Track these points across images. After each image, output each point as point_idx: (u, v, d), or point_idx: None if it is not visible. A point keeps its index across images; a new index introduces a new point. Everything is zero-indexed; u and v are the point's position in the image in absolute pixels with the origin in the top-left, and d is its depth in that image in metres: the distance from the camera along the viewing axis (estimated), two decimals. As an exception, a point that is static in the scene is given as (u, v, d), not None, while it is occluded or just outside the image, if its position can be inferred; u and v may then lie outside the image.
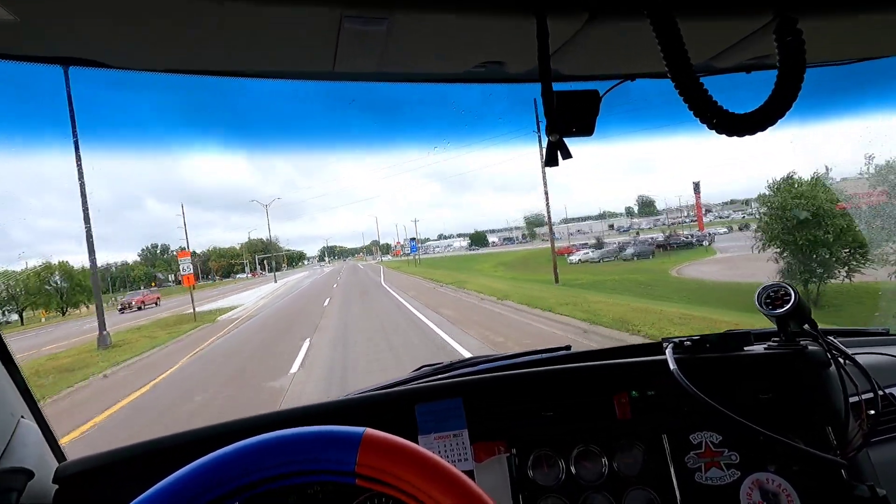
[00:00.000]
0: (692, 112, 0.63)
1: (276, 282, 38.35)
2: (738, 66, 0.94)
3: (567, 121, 0.85)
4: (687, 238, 33.47)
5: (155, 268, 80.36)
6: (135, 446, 0.96)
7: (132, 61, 0.72)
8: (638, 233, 44.06)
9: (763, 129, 0.64)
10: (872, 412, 0.95)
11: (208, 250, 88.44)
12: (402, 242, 35.79)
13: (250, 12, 0.59)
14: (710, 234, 35.50)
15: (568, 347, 1.32)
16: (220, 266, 77.89)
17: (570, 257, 32.11)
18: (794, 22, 0.62)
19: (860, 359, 1.00)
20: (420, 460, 0.46)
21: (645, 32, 0.62)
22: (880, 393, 0.96)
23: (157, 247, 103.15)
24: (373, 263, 71.60)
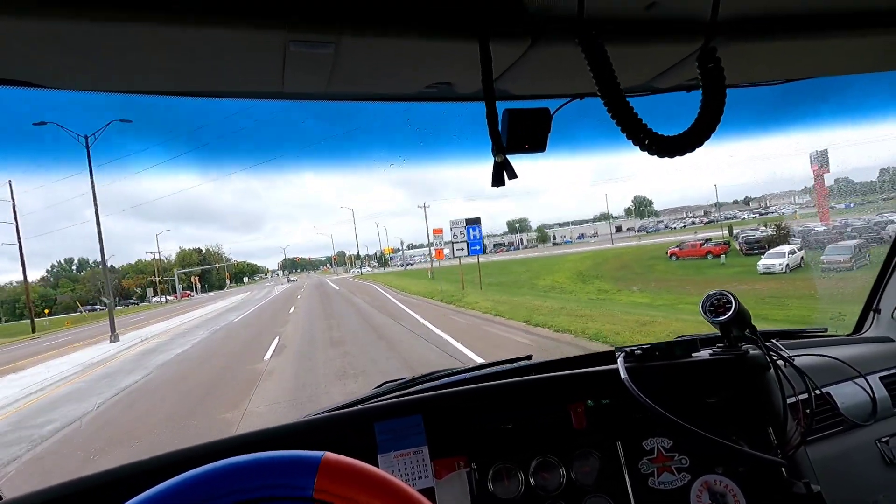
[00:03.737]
0: (625, 134, 0.72)
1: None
2: (678, 86, 1.07)
3: (519, 138, 0.94)
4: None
5: (58, 289, 68.78)
6: (77, 481, 0.95)
7: (70, 82, 0.75)
8: (730, 228, 34.36)
9: (692, 149, 0.73)
10: (809, 411, 1.09)
11: (125, 266, 76.92)
12: (454, 233, 21.40)
13: (194, 34, 0.64)
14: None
15: (530, 357, 1.42)
16: (139, 284, 66.58)
17: (764, 263, 17.82)
18: (713, 51, 0.74)
19: (798, 360, 1.16)
20: (379, 484, 0.49)
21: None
22: (816, 393, 1.12)
23: (71, 262, 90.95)
24: (347, 278, 56.10)
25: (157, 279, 58.62)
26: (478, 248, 20.33)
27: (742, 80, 1.11)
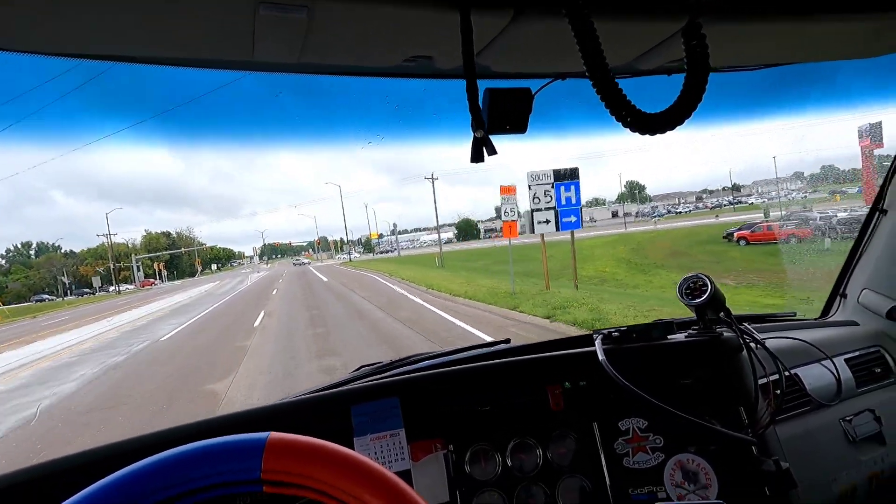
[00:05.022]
0: (608, 110, 0.72)
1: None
2: (659, 68, 1.06)
3: (500, 118, 0.92)
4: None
5: (10, 276, 59.90)
6: (12, 474, 0.91)
7: (20, 43, 0.71)
8: (766, 210, 30.05)
9: (672, 128, 0.75)
10: (779, 392, 1.14)
11: (84, 251, 68.30)
12: (535, 195, 11.28)
13: None
14: None
15: (508, 341, 1.45)
16: (93, 272, 58.22)
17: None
18: (698, 27, 0.74)
19: (770, 343, 1.20)
20: (330, 457, 0.49)
21: (570, 32, 0.70)
22: (786, 374, 1.17)
23: (29, 246, 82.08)
24: (334, 265, 50.40)
25: (113, 266, 50.89)
26: (573, 219, 11.52)
27: (727, 64, 1.13)
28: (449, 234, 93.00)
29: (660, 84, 1.02)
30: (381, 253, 75.68)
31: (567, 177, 11.25)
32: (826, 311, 1.73)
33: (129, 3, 0.61)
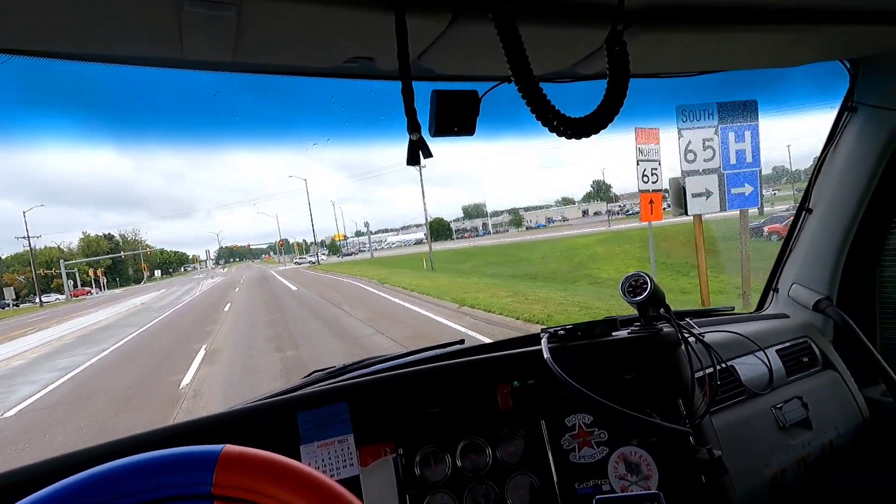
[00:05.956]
0: (534, 115, 0.74)
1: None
2: (600, 73, 1.08)
3: (448, 120, 0.93)
4: None
5: None
6: None
7: None
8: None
9: (596, 131, 0.77)
10: (714, 384, 1.20)
11: (9, 257, 59.97)
12: (685, 152, 5.78)
13: None
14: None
15: (462, 342, 1.46)
16: (20, 281, 49.92)
17: None
18: (619, 35, 0.77)
19: (707, 337, 1.28)
20: (282, 472, 0.48)
21: None
22: (721, 366, 1.25)
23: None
24: (300, 269, 43.95)
25: (35, 273, 43.14)
26: (748, 190, 5.80)
27: (656, 70, 1.17)
28: (419, 234, 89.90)
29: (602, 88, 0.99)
30: (347, 255, 70.39)
31: (740, 115, 6.38)
32: (760, 304, 1.83)
33: None
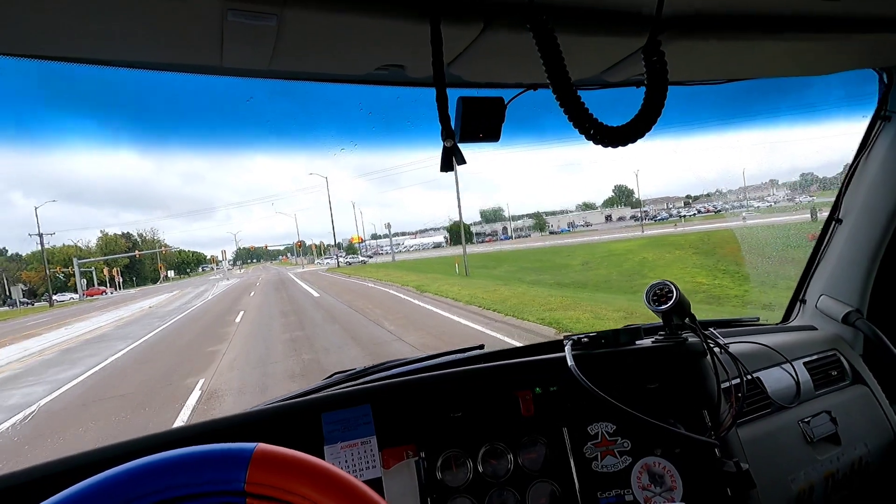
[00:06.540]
0: (571, 123, 0.74)
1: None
2: (627, 80, 1.10)
3: (473, 126, 0.95)
4: None
5: None
6: None
7: None
8: (813, 210, 25.13)
9: (633, 140, 0.76)
10: (740, 395, 1.18)
11: (29, 254, 59.08)
12: None
13: None
14: None
15: (481, 347, 1.45)
16: (39, 279, 48.63)
17: None
18: (658, 43, 0.77)
19: (733, 347, 1.26)
20: (315, 472, 0.48)
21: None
22: (747, 378, 1.21)
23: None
24: (319, 272, 40.61)
25: (48, 271, 41.46)
26: None
27: (689, 78, 1.17)
28: (437, 237, 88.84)
29: (627, 96, 0.99)
30: (369, 258, 67.86)
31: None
32: (787, 316, 1.79)
33: (97, 6, 0.61)
